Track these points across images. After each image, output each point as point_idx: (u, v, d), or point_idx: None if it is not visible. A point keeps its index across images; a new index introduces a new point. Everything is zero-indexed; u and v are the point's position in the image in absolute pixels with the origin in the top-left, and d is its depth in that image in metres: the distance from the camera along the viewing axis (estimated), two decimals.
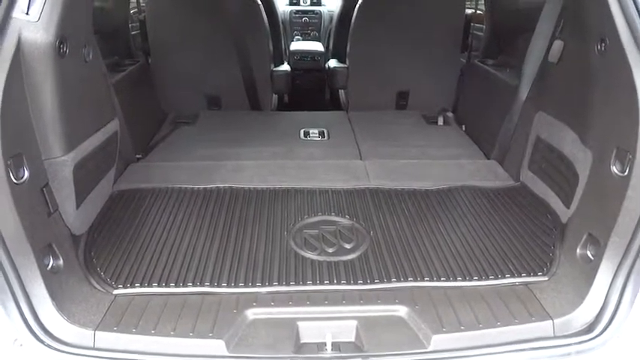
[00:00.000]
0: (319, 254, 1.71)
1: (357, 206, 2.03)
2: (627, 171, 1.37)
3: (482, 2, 3.11)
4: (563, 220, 1.76)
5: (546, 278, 1.58)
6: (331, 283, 1.57)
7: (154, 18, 3.00)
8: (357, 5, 3.05)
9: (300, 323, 1.42)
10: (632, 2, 1.34)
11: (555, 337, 1.38)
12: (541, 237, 1.77)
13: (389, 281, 1.57)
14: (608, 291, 1.40)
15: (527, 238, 1.78)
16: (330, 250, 1.74)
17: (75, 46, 1.65)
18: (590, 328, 1.38)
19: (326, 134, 2.81)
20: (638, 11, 1.33)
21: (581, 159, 1.66)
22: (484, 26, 3.11)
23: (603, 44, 1.48)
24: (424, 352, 1.33)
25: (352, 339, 1.40)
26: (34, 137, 1.48)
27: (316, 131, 2.85)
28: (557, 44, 1.90)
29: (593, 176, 1.57)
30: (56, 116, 1.55)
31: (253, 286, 1.55)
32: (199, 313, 1.43)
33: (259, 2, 3.08)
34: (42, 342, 1.28)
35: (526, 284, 1.57)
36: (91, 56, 1.81)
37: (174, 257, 1.68)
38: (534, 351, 1.33)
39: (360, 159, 2.49)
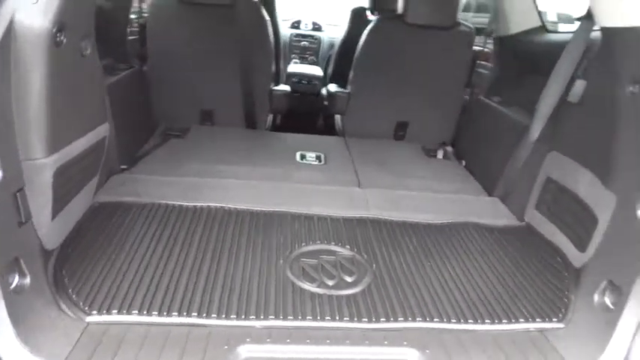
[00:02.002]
0: (318, 286, 1.57)
1: (358, 236, 1.90)
2: None
3: (491, 41, 3.09)
4: (576, 264, 1.66)
5: (562, 325, 1.47)
6: (333, 319, 1.42)
7: (156, 23, 2.87)
8: (366, 32, 3.00)
9: None
10: None
11: None
12: (553, 281, 1.67)
13: (395, 320, 1.44)
14: (631, 343, 1.30)
15: (539, 281, 1.68)
16: (330, 283, 1.59)
17: (73, 36, 1.50)
18: None
19: (323, 159, 2.70)
20: None
21: (602, 202, 1.57)
22: (490, 64, 3.08)
23: (637, 86, 1.41)
24: None
25: None
26: (12, 133, 1.30)
27: (313, 155, 2.73)
28: (580, 84, 1.85)
29: (616, 220, 1.48)
30: (43, 112, 1.39)
31: (247, 319, 1.39)
32: (185, 349, 1.27)
33: (268, 19, 3.00)
34: None
35: (541, 330, 1.46)
36: (89, 50, 1.66)
37: (158, 282, 1.50)
38: None
39: (359, 187, 2.38)
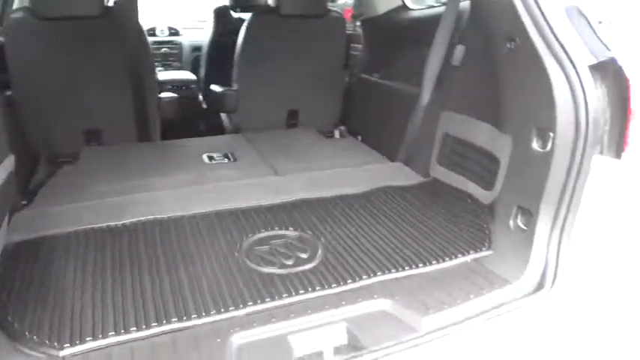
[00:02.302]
0: (280, 267, 1.64)
1: (296, 218, 1.99)
2: (549, 147, 1.59)
3: (359, 24, 3.35)
4: (486, 201, 1.95)
5: (491, 251, 1.74)
6: (306, 292, 1.51)
7: (15, 45, 2.61)
8: (244, 29, 3.06)
9: (290, 337, 1.33)
10: (535, 5, 1.59)
11: (520, 299, 1.52)
12: (472, 219, 1.93)
13: (360, 279, 1.57)
14: (546, 254, 1.59)
15: (461, 222, 1.93)
16: (290, 262, 1.67)
17: None
18: (540, 286, 1.55)
19: (231, 156, 2.72)
20: (541, 12, 1.58)
21: (500, 145, 1.86)
22: (361, 45, 3.35)
23: (513, 42, 1.71)
24: (419, 336, 1.35)
25: (347, 341, 1.36)
26: None
27: (220, 154, 2.74)
28: (460, 48, 2.14)
29: (514, 156, 1.78)
30: None
31: (227, 311, 1.41)
32: (178, 352, 1.26)
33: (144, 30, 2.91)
34: None
35: (476, 260, 1.71)
36: None
37: (122, 300, 1.44)
38: (509, 313, 1.45)
39: (277, 175, 2.46)
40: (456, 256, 1.72)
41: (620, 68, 1.49)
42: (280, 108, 3.26)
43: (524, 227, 1.68)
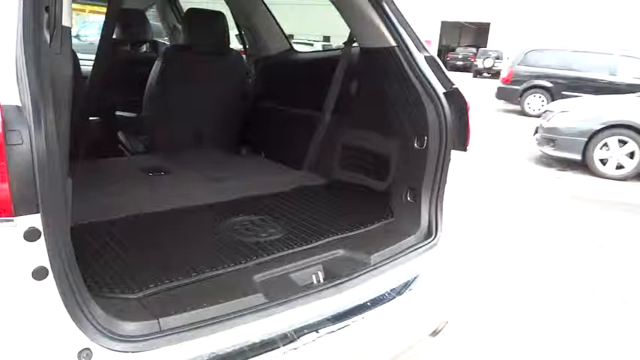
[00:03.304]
0: (260, 238, 2.23)
1: (247, 208, 2.58)
2: (425, 146, 2.48)
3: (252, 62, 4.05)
4: (381, 189, 2.78)
5: (394, 219, 2.56)
6: (289, 248, 2.13)
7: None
8: (159, 62, 3.52)
9: (292, 275, 1.96)
10: (411, 57, 2.48)
11: (420, 243, 2.33)
12: (377, 200, 2.73)
13: (322, 239, 2.24)
14: (429, 215, 2.46)
15: (370, 203, 2.71)
16: (265, 234, 2.27)
17: None
18: (430, 234, 2.40)
19: (165, 171, 3.15)
20: (415, 63, 2.48)
21: (389, 147, 2.72)
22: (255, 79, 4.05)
23: (388, 82, 2.58)
24: (374, 266, 2.07)
25: (327, 274, 2.02)
26: None
27: (152, 170, 3.14)
28: (355, 84, 3.00)
29: (402, 154, 2.63)
30: None
31: (239, 264, 1.97)
32: (221, 290, 1.78)
33: None
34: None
35: (386, 224, 2.50)
36: None
37: (164, 259, 1.92)
38: (417, 249, 2.26)
39: (210, 182, 2.99)
40: (374, 223, 2.49)
41: (461, 94, 2.46)
42: (187, 132, 3.75)
43: (413, 200, 2.53)
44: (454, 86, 2.45)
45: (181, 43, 4.40)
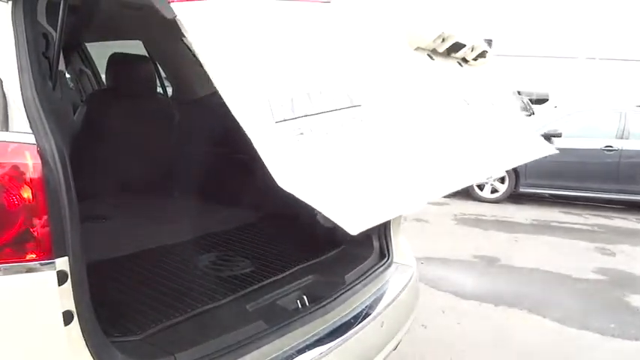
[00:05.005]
0: (235, 271, 2.28)
1: (207, 245, 2.61)
2: None
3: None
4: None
5: (349, 245, 2.74)
6: (266, 278, 2.21)
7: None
8: (84, 105, 3.40)
9: (278, 301, 2.04)
10: None
11: (381, 262, 2.55)
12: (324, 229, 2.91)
13: (291, 267, 2.33)
14: (379, 240, 2.69)
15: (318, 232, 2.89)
16: (238, 267, 2.32)
17: None
18: (382, 256, 2.63)
19: (104, 218, 3.02)
20: None
21: None
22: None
23: None
24: (349, 286, 2.23)
25: (311, 298, 2.12)
26: None
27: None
28: None
29: None
30: None
31: (228, 296, 2.01)
32: (221, 320, 1.81)
33: None
34: None
35: (343, 249, 2.68)
36: None
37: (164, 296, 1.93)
38: (380, 268, 2.47)
39: (155, 224, 2.94)
40: (331, 250, 2.64)
41: None
42: (116, 176, 3.63)
43: None
44: None
45: (105, 87, 4.27)
